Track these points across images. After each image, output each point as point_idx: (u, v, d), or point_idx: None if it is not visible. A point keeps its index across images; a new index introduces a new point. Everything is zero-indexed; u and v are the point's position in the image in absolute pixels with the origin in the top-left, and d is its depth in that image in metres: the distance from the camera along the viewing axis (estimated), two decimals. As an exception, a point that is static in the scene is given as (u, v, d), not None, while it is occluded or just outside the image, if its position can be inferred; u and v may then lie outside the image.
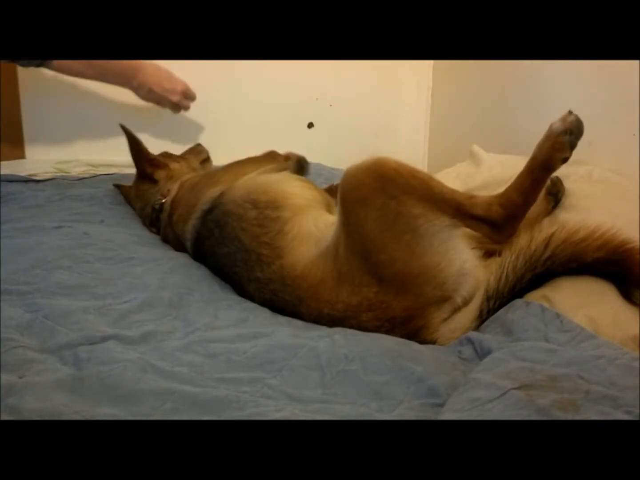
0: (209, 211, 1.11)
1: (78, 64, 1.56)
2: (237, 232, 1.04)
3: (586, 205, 1.05)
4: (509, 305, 0.89)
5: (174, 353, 0.81)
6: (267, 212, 1.03)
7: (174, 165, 1.42)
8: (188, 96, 1.70)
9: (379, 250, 0.90)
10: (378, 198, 0.89)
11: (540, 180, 0.92)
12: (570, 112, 0.92)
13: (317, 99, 2.06)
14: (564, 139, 0.89)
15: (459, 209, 0.90)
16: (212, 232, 1.09)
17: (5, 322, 0.83)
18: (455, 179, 1.41)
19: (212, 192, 1.15)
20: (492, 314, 0.90)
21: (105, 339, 0.83)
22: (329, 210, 1.11)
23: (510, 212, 0.90)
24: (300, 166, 1.36)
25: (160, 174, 1.38)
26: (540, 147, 0.92)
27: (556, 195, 1.11)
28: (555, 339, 0.79)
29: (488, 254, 1.01)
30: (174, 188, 1.29)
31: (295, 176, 1.21)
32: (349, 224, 0.93)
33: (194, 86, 1.76)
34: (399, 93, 2.15)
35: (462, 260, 0.92)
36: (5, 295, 0.92)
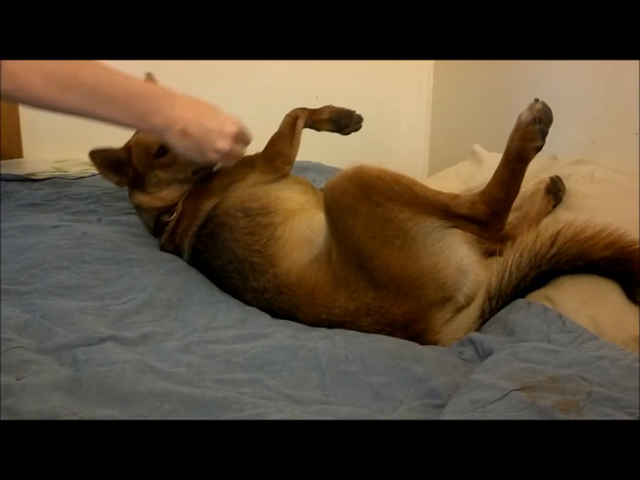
0: (202, 226, 1.10)
1: (59, 93, 0.93)
2: (229, 243, 1.03)
3: (588, 205, 1.05)
4: (510, 305, 0.89)
5: (173, 354, 0.81)
6: (258, 219, 1.03)
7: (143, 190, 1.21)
8: (241, 140, 1.05)
9: (372, 257, 0.90)
10: (364, 206, 0.89)
11: (518, 172, 0.91)
12: (536, 100, 0.91)
13: (317, 97, 2.05)
14: (533, 128, 0.89)
15: (445, 210, 0.90)
16: (207, 246, 1.08)
17: (3, 322, 0.83)
18: (456, 178, 1.40)
19: (207, 205, 1.12)
20: (495, 313, 0.90)
21: (103, 340, 0.82)
22: None
23: (494, 208, 0.90)
24: (337, 124, 1.23)
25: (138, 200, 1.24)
26: (512, 139, 0.91)
27: (556, 194, 1.10)
28: (557, 339, 0.79)
29: (488, 254, 1.00)
30: (179, 206, 1.20)
31: (294, 180, 1.19)
32: (338, 232, 0.92)
33: (194, 86, 1.73)
34: (399, 92, 2.15)
35: (459, 258, 0.91)
36: (3, 295, 0.92)
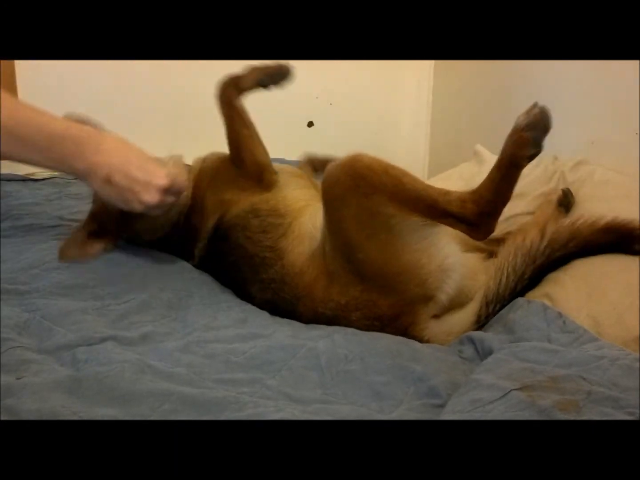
0: (211, 238, 1.09)
1: None
2: (241, 241, 1.04)
3: (589, 208, 1.06)
4: (510, 303, 0.90)
5: (173, 354, 0.81)
6: (270, 220, 1.03)
7: None
8: (172, 191, 0.97)
9: (358, 249, 0.89)
10: (353, 197, 0.88)
11: (510, 177, 0.87)
12: (535, 105, 0.85)
13: (317, 97, 2.06)
14: (527, 135, 0.84)
15: (434, 206, 0.87)
16: (219, 249, 1.07)
17: (3, 322, 0.83)
18: (458, 179, 1.41)
19: (211, 221, 1.09)
20: (492, 317, 0.90)
21: (103, 339, 0.82)
22: None
23: (484, 210, 0.87)
24: (265, 82, 1.16)
25: None
26: (506, 143, 0.87)
27: (567, 207, 1.12)
28: (558, 339, 0.79)
29: (488, 255, 1.01)
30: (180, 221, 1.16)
31: (293, 173, 1.17)
32: (330, 222, 0.92)
33: (193, 86, 1.72)
34: (399, 92, 2.15)
35: (442, 256, 0.91)
36: (3, 295, 0.92)
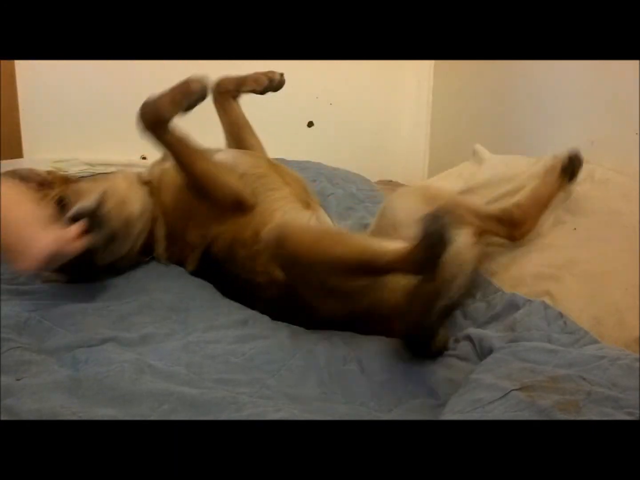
0: (200, 263, 1.08)
1: None
2: (233, 269, 1.04)
3: (590, 208, 1.06)
4: (510, 302, 0.90)
5: (173, 354, 0.81)
6: (256, 247, 1.01)
7: None
8: (61, 255, 0.87)
9: (329, 297, 0.91)
10: (298, 270, 0.89)
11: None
12: (423, 230, 0.77)
13: (317, 97, 2.06)
14: (426, 263, 0.79)
15: (374, 268, 0.86)
16: (209, 270, 1.07)
17: (3, 322, 0.83)
18: (457, 178, 1.41)
19: (195, 253, 1.07)
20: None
21: (104, 340, 0.83)
22: (306, 204, 1.10)
23: (421, 266, 0.81)
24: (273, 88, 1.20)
25: None
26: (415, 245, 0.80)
27: (573, 173, 1.08)
28: (558, 339, 0.79)
29: (479, 233, 1.02)
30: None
31: (259, 174, 1.11)
32: (292, 281, 0.93)
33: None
34: (399, 92, 2.15)
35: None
36: (3, 294, 0.92)
